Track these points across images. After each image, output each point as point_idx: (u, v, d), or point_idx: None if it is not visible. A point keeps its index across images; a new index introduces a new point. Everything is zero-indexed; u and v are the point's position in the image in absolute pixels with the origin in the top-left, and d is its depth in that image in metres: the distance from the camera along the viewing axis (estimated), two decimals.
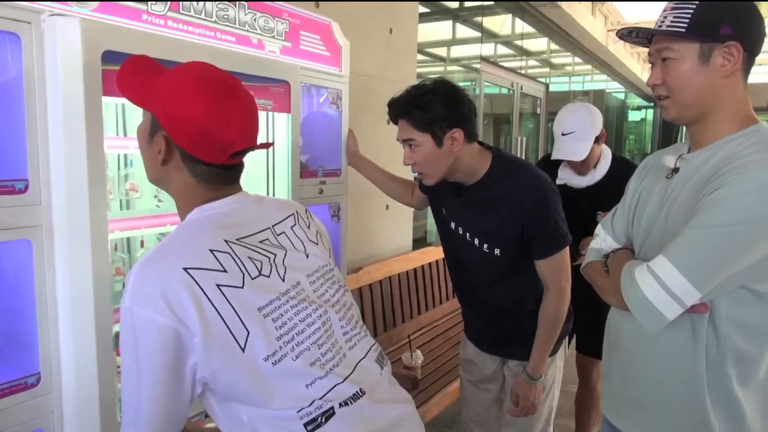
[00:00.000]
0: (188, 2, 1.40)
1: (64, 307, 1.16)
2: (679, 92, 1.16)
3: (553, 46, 7.92)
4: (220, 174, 0.99)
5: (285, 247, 1.02)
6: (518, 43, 6.71)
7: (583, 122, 2.17)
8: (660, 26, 1.17)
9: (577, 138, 2.17)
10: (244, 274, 0.92)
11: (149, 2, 1.31)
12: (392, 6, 3.23)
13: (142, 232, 1.64)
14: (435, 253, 3.52)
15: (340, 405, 0.94)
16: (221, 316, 0.87)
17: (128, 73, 1.00)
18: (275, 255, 0.99)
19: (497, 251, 1.66)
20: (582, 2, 7.18)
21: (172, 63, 1.30)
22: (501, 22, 6.53)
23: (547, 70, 9.09)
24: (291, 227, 1.07)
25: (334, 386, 0.95)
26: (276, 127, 1.67)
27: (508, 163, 1.67)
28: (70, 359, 1.18)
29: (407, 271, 3.26)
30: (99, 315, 1.17)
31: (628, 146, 13.53)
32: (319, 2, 2.50)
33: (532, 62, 8.48)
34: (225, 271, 0.89)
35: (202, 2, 1.43)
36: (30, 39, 1.10)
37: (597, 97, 10.90)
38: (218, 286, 0.87)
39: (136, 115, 1.77)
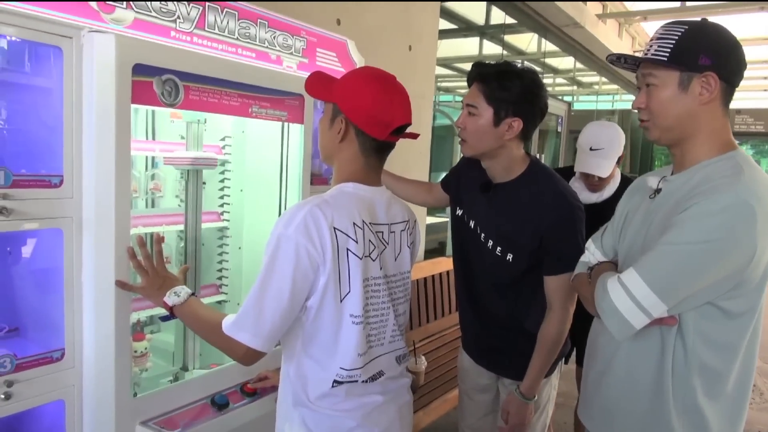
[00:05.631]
0: (213, 20, 1.54)
1: (88, 291, 1.29)
2: (659, 116, 1.24)
3: (579, 65, 7.91)
4: (378, 149, 1.24)
5: (389, 244, 1.29)
6: (546, 60, 6.76)
7: (613, 141, 2.23)
8: (646, 54, 1.25)
9: (605, 155, 2.22)
10: (364, 250, 1.20)
11: (177, 21, 1.45)
12: (411, 24, 3.34)
13: (163, 229, 1.78)
14: (445, 264, 3.59)
15: (364, 381, 1.23)
16: (339, 269, 1.16)
17: (313, 79, 1.29)
18: (380, 248, 1.25)
19: (510, 256, 1.64)
20: (608, 23, 7.20)
21: (196, 76, 1.43)
22: (528, 40, 6.60)
23: (574, 87, 9.07)
24: (401, 231, 1.34)
25: (366, 364, 1.23)
26: (291, 136, 1.79)
27: (543, 173, 1.67)
28: (91, 339, 1.30)
29: (417, 280, 3.34)
30: (119, 301, 1.29)
31: (658, 166, 13.41)
32: (340, 20, 2.64)
33: (559, 80, 8.49)
34: (356, 241, 1.18)
35: (226, 20, 1.57)
36: (71, 52, 1.23)
37: (624, 117, 10.64)
38: (347, 249, 1.17)
39: (165, 121, 1.92)
